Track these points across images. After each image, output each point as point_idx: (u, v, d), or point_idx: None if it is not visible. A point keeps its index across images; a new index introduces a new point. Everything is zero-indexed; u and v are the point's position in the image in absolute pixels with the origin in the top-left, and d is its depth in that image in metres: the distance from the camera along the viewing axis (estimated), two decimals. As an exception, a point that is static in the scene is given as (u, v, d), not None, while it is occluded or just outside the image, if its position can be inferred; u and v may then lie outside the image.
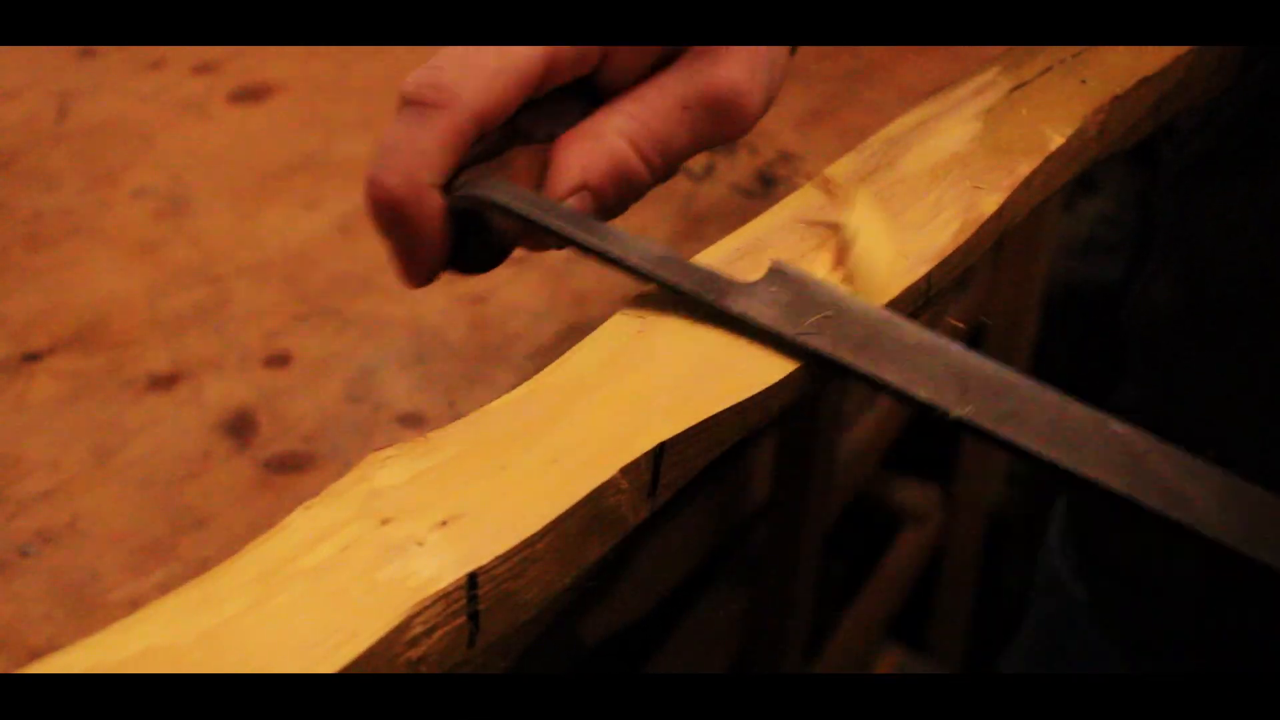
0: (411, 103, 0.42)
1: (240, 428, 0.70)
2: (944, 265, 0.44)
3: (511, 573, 0.33)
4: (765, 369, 0.39)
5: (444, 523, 0.33)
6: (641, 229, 0.87)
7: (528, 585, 0.34)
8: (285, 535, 0.33)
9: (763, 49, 0.47)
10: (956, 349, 0.39)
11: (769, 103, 0.48)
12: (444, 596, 0.32)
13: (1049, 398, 0.38)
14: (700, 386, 0.38)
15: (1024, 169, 0.48)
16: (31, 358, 0.73)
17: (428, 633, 0.32)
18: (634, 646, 1.11)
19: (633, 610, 1.05)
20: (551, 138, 0.45)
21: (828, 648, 1.43)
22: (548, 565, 0.35)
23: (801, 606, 1.25)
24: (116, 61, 0.99)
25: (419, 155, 0.42)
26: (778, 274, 0.41)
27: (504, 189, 0.43)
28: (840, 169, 0.48)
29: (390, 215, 0.42)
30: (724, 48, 0.46)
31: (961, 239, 0.45)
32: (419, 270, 0.44)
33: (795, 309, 0.39)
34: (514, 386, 0.38)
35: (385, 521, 0.33)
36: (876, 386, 0.38)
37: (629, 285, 0.41)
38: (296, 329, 0.75)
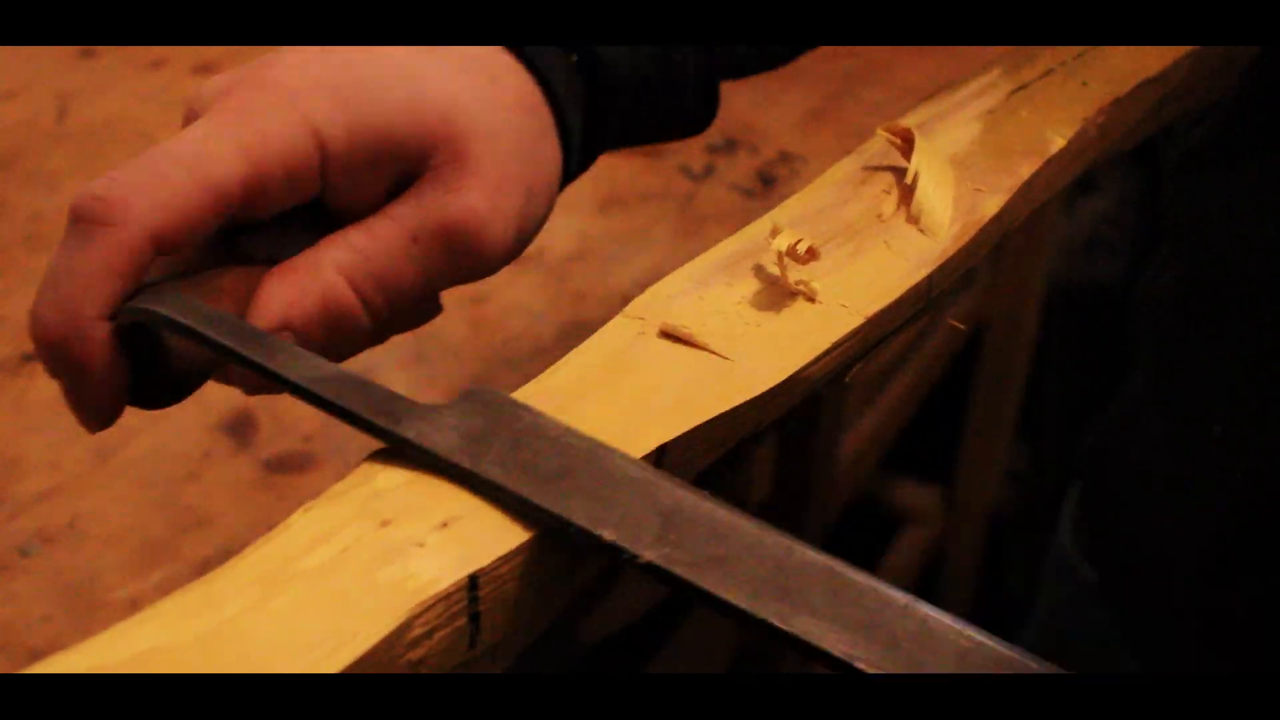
0: (77, 220, 0.37)
1: (240, 428, 0.70)
2: (945, 267, 0.44)
3: (512, 574, 0.33)
4: (764, 373, 0.39)
5: (444, 524, 0.33)
6: (642, 229, 0.87)
7: (528, 587, 0.34)
8: (286, 536, 0.33)
9: (514, 174, 0.41)
10: (673, 486, 0.35)
11: (523, 236, 0.43)
12: (444, 598, 0.32)
13: (773, 541, 0.34)
14: (700, 388, 0.38)
15: (1025, 171, 0.48)
16: (31, 358, 0.73)
17: (428, 634, 0.32)
18: (634, 646, 1.11)
19: (633, 610, 1.05)
20: (274, 260, 0.41)
21: (828, 648, 1.43)
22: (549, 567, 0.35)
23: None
24: (116, 61, 0.99)
25: (80, 284, 0.36)
26: (472, 397, 0.36)
27: (172, 301, 0.37)
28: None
29: (52, 354, 0.37)
30: (467, 173, 0.40)
31: (962, 241, 0.45)
32: (93, 412, 0.39)
33: (481, 437, 0.35)
34: (514, 387, 0.38)
35: (385, 523, 0.33)
36: (561, 525, 0.34)
37: (630, 286, 0.41)
38: (297, 329, 0.75)
